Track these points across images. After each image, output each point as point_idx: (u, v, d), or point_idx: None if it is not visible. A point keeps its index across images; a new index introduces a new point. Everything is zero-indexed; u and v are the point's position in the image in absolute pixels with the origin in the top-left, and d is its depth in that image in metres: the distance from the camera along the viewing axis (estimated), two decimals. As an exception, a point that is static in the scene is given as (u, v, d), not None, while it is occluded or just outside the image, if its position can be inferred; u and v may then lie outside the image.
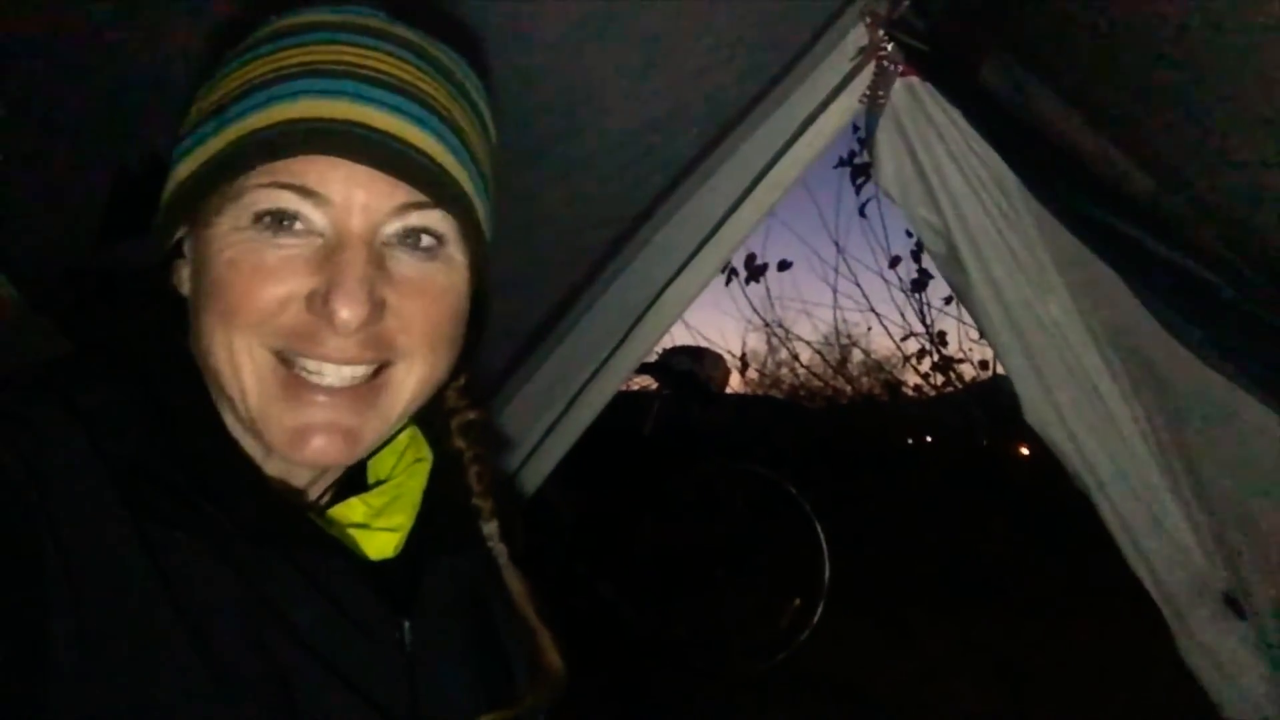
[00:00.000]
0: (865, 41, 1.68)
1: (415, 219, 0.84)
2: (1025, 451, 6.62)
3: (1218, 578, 1.70)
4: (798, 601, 4.97)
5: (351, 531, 0.93)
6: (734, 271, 7.83)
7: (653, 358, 5.76)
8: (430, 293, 0.86)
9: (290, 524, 0.86)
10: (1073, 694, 4.44)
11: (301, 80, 0.81)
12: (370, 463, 1.02)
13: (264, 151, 0.79)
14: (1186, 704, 1.78)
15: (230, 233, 0.81)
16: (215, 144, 0.82)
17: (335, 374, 0.83)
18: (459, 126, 0.87)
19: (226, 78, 0.86)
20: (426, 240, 0.86)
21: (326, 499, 0.97)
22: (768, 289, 8.80)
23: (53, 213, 1.59)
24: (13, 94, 1.41)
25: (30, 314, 1.42)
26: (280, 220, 0.80)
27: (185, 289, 0.88)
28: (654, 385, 5.95)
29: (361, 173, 0.80)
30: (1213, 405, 1.44)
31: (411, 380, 0.88)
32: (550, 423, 2.26)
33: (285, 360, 0.82)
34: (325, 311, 0.79)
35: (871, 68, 1.68)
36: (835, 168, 6.48)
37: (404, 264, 0.84)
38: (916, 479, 7.05)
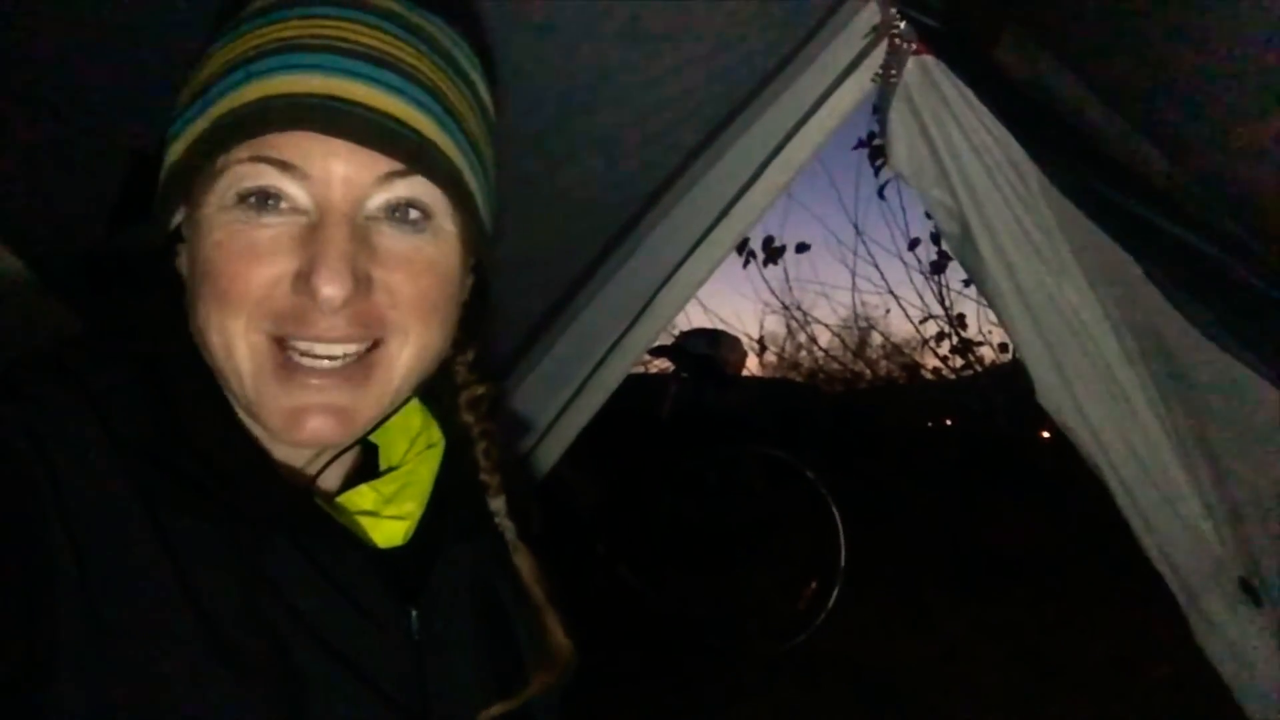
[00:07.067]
0: (878, 19, 1.66)
1: (400, 190, 0.83)
2: (1045, 435, 6.57)
3: (1233, 563, 1.69)
4: (814, 584, 4.98)
5: (360, 519, 0.92)
6: (752, 254, 7.80)
7: (669, 341, 5.77)
8: (419, 265, 0.85)
9: (296, 510, 0.86)
10: (1093, 676, 4.42)
11: (278, 56, 0.80)
12: (381, 448, 1.01)
13: (242, 128, 0.79)
14: (1207, 686, 1.77)
15: (217, 214, 0.81)
16: (200, 124, 0.82)
17: (327, 352, 0.82)
18: (443, 96, 0.86)
19: (210, 59, 0.86)
20: (413, 214, 0.84)
21: (336, 486, 0.97)
22: (786, 271, 8.74)
23: (69, 193, 1.60)
24: (27, 75, 1.42)
25: (42, 293, 1.43)
26: (264, 200, 0.80)
27: (186, 271, 0.88)
28: (671, 368, 5.96)
29: (341, 145, 0.79)
30: (1228, 389, 1.42)
31: (405, 355, 0.86)
32: (563, 404, 2.26)
33: (279, 343, 0.82)
34: (309, 289, 0.78)
35: (884, 46, 1.66)
36: (854, 149, 6.44)
37: (390, 238, 0.83)
38: (935, 462, 7.01)
